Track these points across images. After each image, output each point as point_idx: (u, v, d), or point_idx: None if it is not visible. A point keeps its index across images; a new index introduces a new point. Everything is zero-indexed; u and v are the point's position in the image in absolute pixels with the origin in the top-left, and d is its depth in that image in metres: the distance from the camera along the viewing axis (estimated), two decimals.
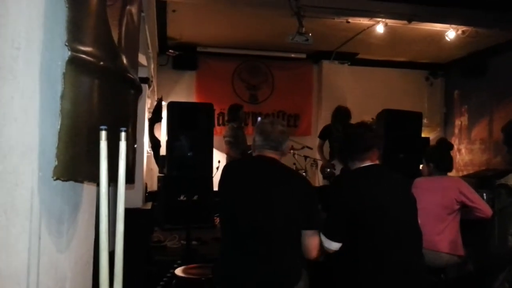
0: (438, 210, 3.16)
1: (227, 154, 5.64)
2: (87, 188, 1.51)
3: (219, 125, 7.54)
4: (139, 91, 1.37)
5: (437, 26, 6.04)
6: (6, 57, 0.91)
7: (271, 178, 2.24)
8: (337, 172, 5.61)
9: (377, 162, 2.45)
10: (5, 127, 0.92)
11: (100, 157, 1.07)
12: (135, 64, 1.40)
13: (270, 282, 2.12)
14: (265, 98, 7.99)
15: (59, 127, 1.03)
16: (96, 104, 1.11)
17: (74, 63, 1.04)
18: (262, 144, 2.28)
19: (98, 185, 1.17)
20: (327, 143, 5.75)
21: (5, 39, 0.91)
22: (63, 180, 1.06)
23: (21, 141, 0.98)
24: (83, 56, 1.06)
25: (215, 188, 5.82)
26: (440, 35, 6.23)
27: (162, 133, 6.22)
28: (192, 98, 7.54)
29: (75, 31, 1.04)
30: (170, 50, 7.26)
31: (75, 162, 1.07)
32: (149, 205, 4.75)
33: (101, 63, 1.10)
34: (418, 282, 2.26)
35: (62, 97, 1.03)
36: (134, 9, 1.33)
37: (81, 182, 1.18)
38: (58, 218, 1.19)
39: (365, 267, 2.19)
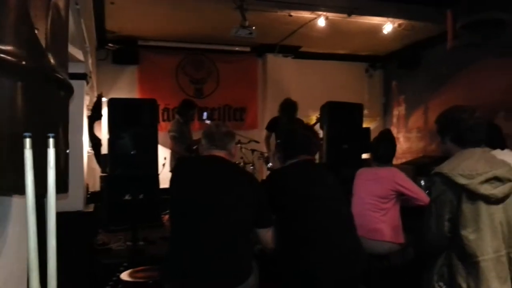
0: (374, 200, 3.28)
1: (171, 149, 5.52)
2: (18, 197, 1.39)
3: (163, 120, 7.36)
4: (69, 92, 1.27)
5: (376, 20, 6.24)
6: None
7: (222, 177, 2.30)
8: (272, 163, 5.69)
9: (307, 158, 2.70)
10: None
11: (25, 167, 0.97)
12: (64, 62, 1.30)
13: (222, 276, 2.12)
14: (211, 92, 7.89)
15: None
16: (19, 109, 1.00)
17: None
18: (209, 145, 2.38)
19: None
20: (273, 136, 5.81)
21: None
22: None
23: None
24: (3, 56, 0.95)
25: (162, 185, 5.73)
26: (378, 28, 6.44)
27: (103, 131, 5.97)
28: (135, 94, 7.29)
29: None
30: (110, 44, 6.96)
31: None
32: (91, 207, 4.55)
33: (24, 62, 1.00)
34: (351, 262, 2.40)
35: None
36: (60, 2, 1.23)
37: (5, 195, 1.07)
38: None
39: (299, 252, 2.33)
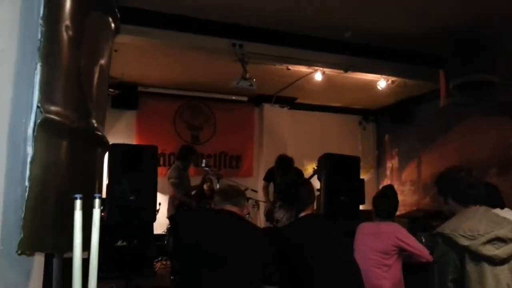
0: (376, 256, 3.26)
1: (171, 195, 5.48)
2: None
3: (159, 166, 7.33)
4: (106, 148, 1.30)
5: (370, 76, 6.48)
6: None
7: (232, 230, 2.30)
8: (278, 215, 5.66)
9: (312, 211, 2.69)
10: None
11: (74, 227, 0.98)
12: (103, 119, 1.34)
13: None
14: (207, 139, 7.96)
15: (26, 194, 0.94)
16: (65, 169, 1.03)
17: (46, 125, 0.97)
18: (222, 201, 2.44)
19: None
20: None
21: None
22: (28, 255, 0.96)
23: None
24: (55, 117, 0.99)
25: (155, 231, 5.62)
26: (372, 84, 6.68)
27: None
28: (132, 139, 7.31)
29: (48, 91, 0.98)
30: (110, 89, 7.05)
31: (41, 234, 0.97)
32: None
33: (74, 124, 1.04)
34: None
35: (31, 162, 0.95)
36: (104, 63, 1.29)
37: (47, 253, 1.07)
38: None
39: None
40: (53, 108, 0.99)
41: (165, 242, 6.15)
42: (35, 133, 0.96)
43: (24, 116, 1.07)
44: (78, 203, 0.99)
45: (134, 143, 7.02)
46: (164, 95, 7.64)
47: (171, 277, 4.79)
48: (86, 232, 1.06)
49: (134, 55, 6.08)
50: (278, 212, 2.70)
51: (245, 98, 8.00)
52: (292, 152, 5.96)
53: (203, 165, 6.24)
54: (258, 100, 8.13)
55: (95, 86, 1.20)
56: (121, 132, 7.27)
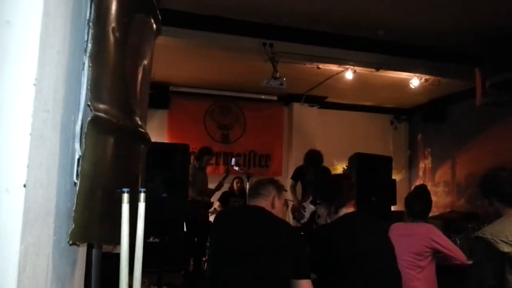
0: (410, 257, 3.21)
1: None
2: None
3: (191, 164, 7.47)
4: (148, 144, 1.35)
5: (403, 74, 6.37)
6: (39, 121, 0.88)
7: (261, 228, 2.27)
8: (307, 214, 5.66)
9: (353, 207, 2.55)
10: (35, 195, 0.88)
11: (121, 220, 1.03)
12: (145, 115, 1.39)
13: None
14: (237, 138, 8.03)
15: (77, 189, 0.99)
16: (112, 165, 1.08)
17: (95, 123, 1.02)
18: (250, 196, 2.45)
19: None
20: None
21: (40, 102, 0.88)
22: (78, 244, 1.02)
23: (44, 208, 0.94)
24: (103, 115, 1.04)
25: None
26: (405, 82, 6.56)
27: None
28: (163, 137, 7.46)
29: (97, 91, 1.03)
30: None
31: (90, 225, 1.03)
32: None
33: (120, 122, 1.08)
34: None
35: (82, 158, 1.00)
36: (147, 63, 1.34)
37: (94, 244, 1.13)
38: (63, 281, 1.12)
39: None
40: (101, 106, 1.04)
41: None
42: (85, 130, 1.01)
43: (72, 114, 1.12)
44: (125, 197, 1.04)
45: (166, 141, 7.15)
46: (195, 94, 7.76)
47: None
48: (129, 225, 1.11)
49: (165, 55, 6.20)
50: (319, 209, 2.62)
51: (274, 98, 8.02)
52: (321, 151, 5.93)
53: (233, 163, 6.30)
54: (288, 99, 8.13)
55: (139, 85, 1.25)
56: (153, 131, 7.41)
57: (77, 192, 0.99)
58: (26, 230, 0.83)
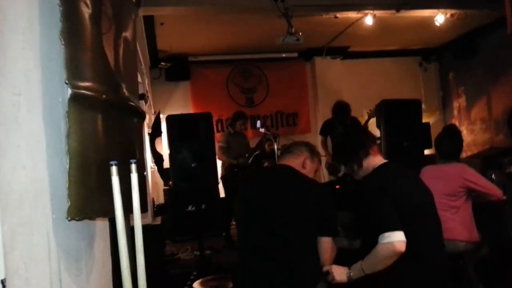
0: (443, 199, 3.13)
1: (220, 159, 5.64)
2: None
3: (218, 131, 7.52)
4: (142, 118, 1.36)
5: (426, 12, 6.02)
6: (8, 106, 0.89)
7: (286, 185, 2.26)
8: (342, 167, 5.61)
9: (379, 152, 2.42)
10: (14, 177, 0.91)
11: (113, 192, 1.05)
12: (135, 90, 1.39)
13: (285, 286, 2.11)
14: (261, 100, 7.98)
15: (67, 166, 1.01)
16: (102, 139, 1.09)
17: (77, 100, 1.02)
18: (281, 155, 2.45)
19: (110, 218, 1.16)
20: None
21: (5, 87, 0.89)
22: (77, 220, 1.05)
23: (31, 188, 0.97)
24: (85, 92, 1.04)
25: (222, 194, 5.86)
26: (429, 20, 6.21)
27: (163, 147, 6.21)
28: (189, 108, 7.53)
29: (74, 68, 1.03)
30: (162, 63, 7.25)
31: (87, 200, 1.05)
32: (158, 220, 4.74)
33: (103, 96, 1.09)
34: (445, 274, 2.25)
35: (68, 136, 1.02)
36: (129, 35, 1.32)
37: (95, 219, 1.16)
38: (75, 256, 1.17)
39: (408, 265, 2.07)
40: (81, 83, 1.05)
41: None
42: (67, 109, 1.02)
43: (60, 95, 1.13)
44: (114, 169, 1.05)
45: (192, 112, 7.21)
46: (214, 62, 7.71)
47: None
48: (127, 196, 1.13)
49: (179, 26, 6.16)
50: (348, 168, 2.51)
51: (295, 54, 7.85)
52: (350, 103, 5.79)
53: (258, 125, 6.29)
54: (309, 54, 7.93)
55: (121, 58, 1.24)
56: (178, 104, 7.51)
57: (68, 169, 1.02)
58: (8, 211, 0.86)
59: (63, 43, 1.02)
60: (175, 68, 7.40)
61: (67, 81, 1.02)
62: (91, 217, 1.12)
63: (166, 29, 6.12)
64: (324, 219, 2.20)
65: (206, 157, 4.50)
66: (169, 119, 4.62)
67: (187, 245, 5.11)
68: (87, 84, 1.06)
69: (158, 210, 5.61)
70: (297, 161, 2.35)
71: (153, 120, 5.56)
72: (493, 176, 3.67)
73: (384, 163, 2.32)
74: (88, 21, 1.09)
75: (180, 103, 7.57)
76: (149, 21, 5.72)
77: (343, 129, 5.37)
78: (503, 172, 3.72)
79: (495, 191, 3.06)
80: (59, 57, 1.11)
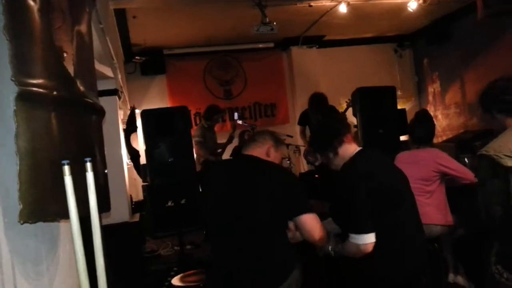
0: (417, 184, 3.17)
1: (197, 154, 5.60)
2: None
3: (196, 125, 7.45)
4: (101, 115, 1.31)
5: None
6: None
7: (250, 174, 2.24)
8: (324, 159, 5.62)
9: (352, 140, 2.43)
10: None
11: (67, 193, 1.01)
12: (93, 86, 1.34)
13: (258, 278, 2.09)
14: (239, 92, 7.93)
15: (17, 168, 0.97)
16: (56, 138, 1.05)
17: (25, 98, 0.98)
18: (246, 145, 2.39)
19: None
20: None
21: None
22: (31, 223, 1.01)
23: None
24: (34, 89, 1.00)
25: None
26: (403, 6, 6.24)
27: (139, 143, 6.12)
28: (166, 102, 7.43)
29: (21, 64, 0.98)
30: (137, 57, 7.12)
31: (41, 202, 1.01)
32: (137, 217, 4.68)
33: (54, 93, 1.04)
34: (424, 253, 2.30)
35: (16, 136, 0.97)
36: (83, 28, 1.27)
37: (51, 221, 1.12)
38: (34, 259, 1.13)
39: (391, 248, 2.14)
40: (29, 80, 1.00)
41: None
42: (14, 107, 0.97)
43: (10, 93, 1.08)
44: (66, 169, 1.01)
45: (168, 106, 7.12)
46: (190, 54, 7.62)
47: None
48: (86, 196, 1.09)
49: (152, 19, 6.05)
50: (324, 158, 2.51)
51: (271, 44, 7.82)
52: (327, 91, 5.81)
53: (236, 117, 6.26)
54: (285, 44, 7.91)
55: (75, 53, 1.19)
56: (154, 98, 7.41)
57: (18, 170, 0.97)
58: None
59: (7, 38, 0.97)
60: (150, 62, 7.29)
61: (13, 78, 0.97)
62: (46, 220, 1.07)
63: (139, 22, 6.00)
64: (295, 199, 2.18)
65: (184, 152, 4.46)
66: (144, 114, 4.55)
67: (167, 241, 5.08)
68: (35, 81, 1.01)
69: (137, 206, 5.54)
70: (261, 150, 2.34)
71: (128, 115, 5.47)
72: (466, 159, 3.74)
73: (360, 150, 2.34)
74: (36, 14, 1.04)
75: (157, 97, 7.46)
76: (121, 15, 5.60)
77: (321, 118, 5.38)
78: (475, 155, 3.78)
79: (468, 174, 3.12)
80: (6, 54, 1.06)
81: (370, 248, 2.05)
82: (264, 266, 2.09)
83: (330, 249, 2.27)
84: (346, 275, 2.40)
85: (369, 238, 2.05)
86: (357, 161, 2.27)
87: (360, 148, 2.38)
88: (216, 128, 6.18)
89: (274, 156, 2.37)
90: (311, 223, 2.12)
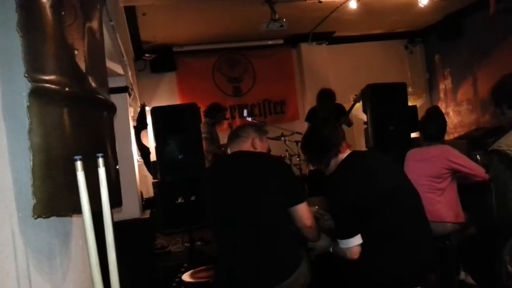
0: (428, 181, 3.15)
1: (206, 150, 5.63)
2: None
3: None
4: (112, 111, 1.32)
5: None
6: None
7: (247, 169, 2.24)
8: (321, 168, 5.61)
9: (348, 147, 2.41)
10: None
11: (79, 188, 1.02)
12: (104, 82, 1.35)
13: (266, 274, 2.09)
14: (249, 89, 7.93)
15: (31, 163, 0.98)
16: (68, 133, 1.06)
17: (38, 94, 0.99)
18: (231, 139, 2.41)
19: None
20: None
21: None
22: (44, 218, 1.02)
23: None
24: (46, 85, 1.01)
25: None
26: (414, 2, 6.19)
27: (150, 140, 6.16)
28: (175, 99, 7.46)
29: (34, 61, 0.99)
30: (146, 54, 7.15)
31: (54, 197, 1.02)
32: (147, 214, 4.72)
33: (67, 89, 1.05)
34: (430, 251, 2.26)
35: (30, 131, 0.99)
36: (94, 25, 1.28)
37: (64, 216, 1.13)
38: (48, 254, 1.15)
39: (382, 249, 2.14)
40: (42, 76, 1.01)
41: None
42: (27, 103, 0.98)
43: (23, 89, 1.09)
44: (79, 164, 1.02)
45: (178, 103, 7.15)
46: (200, 51, 7.63)
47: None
48: (97, 191, 1.10)
49: (162, 16, 6.07)
50: (319, 166, 2.49)
51: (280, 41, 7.79)
52: (336, 88, 5.79)
53: (245, 115, 6.27)
54: (295, 40, 7.88)
55: (86, 50, 1.20)
56: (164, 95, 7.44)
57: (31, 166, 0.98)
58: None
59: (20, 35, 0.98)
60: (160, 60, 7.31)
61: (26, 75, 0.98)
62: (59, 214, 1.08)
63: (149, 19, 6.02)
64: (292, 189, 2.20)
65: (193, 148, 4.47)
66: (154, 111, 4.56)
67: (177, 237, 5.11)
68: (48, 77, 1.02)
69: (148, 203, 5.59)
70: (246, 144, 2.35)
71: (138, 112, 5.50)
72: (477, 156, 3.70)
73: (348, 156, 2.31)
74: (48, 11, 1.05)
75: (166, 94, 7.50)
76: (131, 12, 5.62)
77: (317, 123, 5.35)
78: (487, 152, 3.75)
79: (479, 171, 3.09)
80: (20, 50, 1.07)
81: (356, 250, 2.10)
82: (266, 262, 2.09)
83: (330, 249, 2.30)
84: (345, 273, 2.40)
85: (353, 242, 2.09)
86: (339, 170, 2.28)
87: (349, 153, 2.34)
88: (225, 126, 6.20)
89: (260, 146, 2.39)
90: (305, 211, 2.20)
